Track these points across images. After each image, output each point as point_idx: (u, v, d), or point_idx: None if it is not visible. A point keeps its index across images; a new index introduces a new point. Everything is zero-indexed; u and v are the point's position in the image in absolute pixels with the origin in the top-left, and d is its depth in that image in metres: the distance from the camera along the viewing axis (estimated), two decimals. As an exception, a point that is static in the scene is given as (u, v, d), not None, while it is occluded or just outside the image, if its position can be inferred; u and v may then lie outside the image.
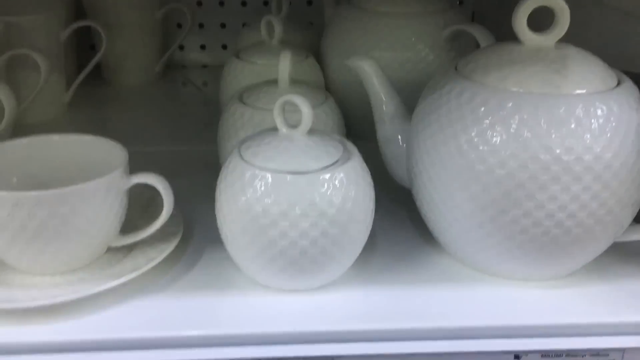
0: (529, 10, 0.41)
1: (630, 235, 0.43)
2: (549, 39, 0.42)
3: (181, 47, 0.89)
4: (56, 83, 0.69)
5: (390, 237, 0.49)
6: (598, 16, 0.57)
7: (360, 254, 0.43)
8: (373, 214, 0.42)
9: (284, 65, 0.50)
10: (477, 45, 0.57)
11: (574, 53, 0.41)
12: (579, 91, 0.39)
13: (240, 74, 0.60)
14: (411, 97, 0.50)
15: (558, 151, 0.38)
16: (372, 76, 0.49)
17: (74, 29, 0.69)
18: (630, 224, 0.42)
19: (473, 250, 0.43)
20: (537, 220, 0.39)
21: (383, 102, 0.49)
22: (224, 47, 0.89)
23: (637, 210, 0.42)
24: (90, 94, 0.77)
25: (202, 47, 0.89)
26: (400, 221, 0.51)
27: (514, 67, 0.40)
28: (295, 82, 0.53)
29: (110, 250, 0.44)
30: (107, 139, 0.45)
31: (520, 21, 0.41)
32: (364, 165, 0.42)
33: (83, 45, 0.81)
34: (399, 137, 0.48)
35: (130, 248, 0.44)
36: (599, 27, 0.57)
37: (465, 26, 0.59)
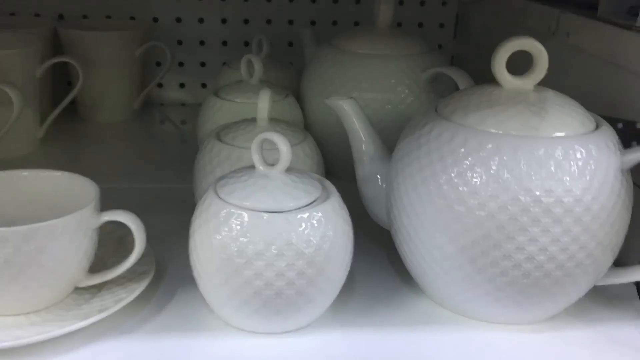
0: (507, 53, 0.41)
1: (610, 279, 0.42)
2: (527, 82, 0.42)
3: (160, 85, 0.88)
4: (30, 118, 0.68)
5: (369, 279, 0.48)
6: (576, 62, 0.58)
7: (338, 296, 0.42)
8: (352, 254, 0.42)
9: (263, 103, 0.50)
10: (456, 88, 0.57)
11: (552, 96, 0.42)
12: (557, 134, 0.39)
13: (219, 111, 0.60)
14: (391, 137, 0.49)
15: (538, 193, 0.37)
16: (351, 115, 0.48)
17: (50, 64, 0.68)
18: (610, 268, 0.42)
19: (452, 292, 0.42)
20: (517, 263, 0.38)
21: (362, 141, 0.48)
22: (204, 85, 0.89)
23: (616, 254, 0.41)
24: (65, 131, 0.76)
25: (182, 85, 0.89)
26: (379, 262, 0.50)
27: (493, 109, 0.41)
28: (274, 121, 0.52)
29: (77, 289, 0.42)
30: (78, 175, 0.43)
31: (499, 64, 0.42)
32: (343, 204, 0.41)
33: (59, 81, 0.80)
34: (378, 177, 0.47)
35: (99, 287, 0.42)
36: (577, 72, 0.58)
37: (445, 69, 0.59)
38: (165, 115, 0.87)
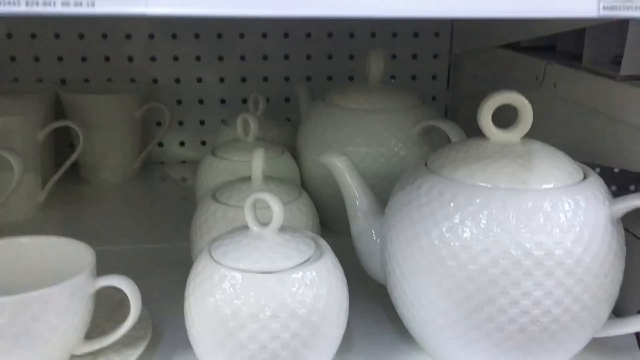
0: (493, 108, 0.42)
1: (609, 330, 0.42)
2: (514, 135, 0.43)
3: (160, 144, 0.90)
4: (31, 182, 0.69)
5: (367, 335, 0.47)
6: (563, 111, 0.59)
7: (336, 354, 0.41)
8: (347, 312, 0.41)
9: (257, 162, 0.51)
10: (448, 140, 0.58)
11: (539, 148, 0.42)
12: (545, 186, 0.39)
13: (216, 170, 0.61)
14: (385, 191, 0.50)
15: (528, 246, 0.37)
16: (344, 172, 0.49)
17: (51, 129, 0.70)
18: (608, 319, 0.42)
19: (450, 349, 0.41)
20: (512, 317, 0.38)
21: (356, 197, 0.49)
22: (203, 143, 0.90)
23: (613, 305, 0.41)
24: (67, 192, 0.77)
25: (182, 143, 0.90)
26: (378, 318, 0.50)
27: (481, 162, 0.41)
28: (269, 179, 0.53)
29: (73, 356, 0.42)
30: (75, 240, 0.44)
31: (485, 118, 0.42)
32: (337, 262, 0.42)
33: (62, 143, 0.81)
34: (373, 232, 0.48)
35: (95, 354, 0.42)
36: (564, 121, 0.59)
37: (436, 122, 0.60)
38: (166, 173, 0.88)
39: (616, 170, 0.48)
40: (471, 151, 0.43)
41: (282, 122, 0.77)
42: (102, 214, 0.73)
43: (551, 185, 0.40)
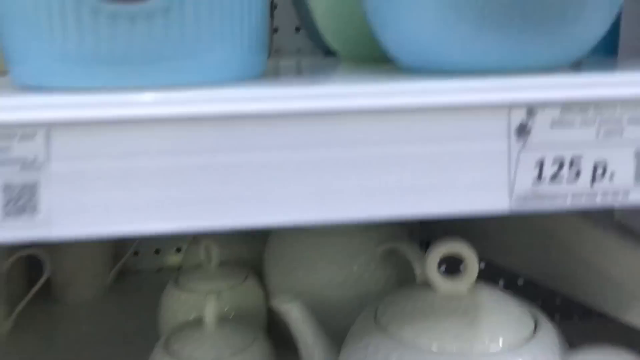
0: (438, 257, 0.42)
1: None
2: (461, 285, 0.42)
3: (136, 253, 0.89)
4: (-5, 316, 0.68)
5: None
6: (525, 233, 0.58)
7: None
8: None
9: (209, 312, 0.50)
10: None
11: (487, 299, 0.41)
12: (492, 348, 0.38)
13: (176, 303, 0.60)
14: (351, 315, 0.48)
15: (475, 420, 0.36)
16: (297, 320, 0.48)
17: (16, 258, 0.69)
18: None
19: None
20: None
21: (309, 346, 0.47)
22: (179, 250, 0.90)
23: None
24: (38, 313, 0.75)
25: (157, 251, 0.90)
26: None
27: (428, 321, 0.40)
28: (224, 322, 0.52)
29: None
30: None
31: (431, 269, 0.42)
32: None
33: (34, 263, 0.81)
34: (329, 383, 0.46)
35: None
36: (526, 243, 0.58)
37: (398, 244, 0.59)
38: (141, 283, 0.87)
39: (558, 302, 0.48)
40: (419, 304, 0.42)
41: (250, 236, 0.77)
42: (71, 336, 0.72)
43: (498, 348, 0.38)
